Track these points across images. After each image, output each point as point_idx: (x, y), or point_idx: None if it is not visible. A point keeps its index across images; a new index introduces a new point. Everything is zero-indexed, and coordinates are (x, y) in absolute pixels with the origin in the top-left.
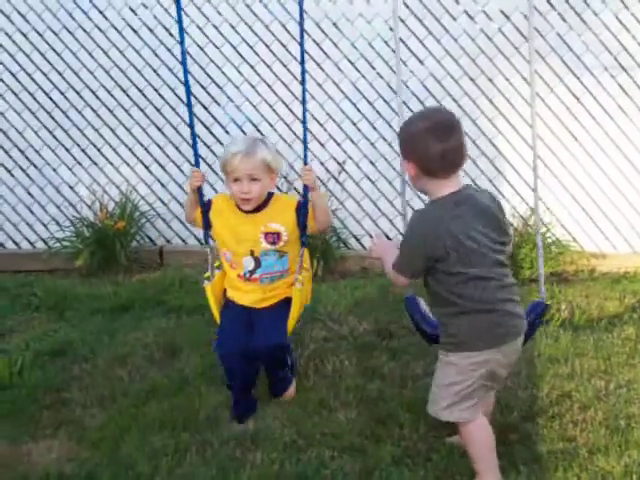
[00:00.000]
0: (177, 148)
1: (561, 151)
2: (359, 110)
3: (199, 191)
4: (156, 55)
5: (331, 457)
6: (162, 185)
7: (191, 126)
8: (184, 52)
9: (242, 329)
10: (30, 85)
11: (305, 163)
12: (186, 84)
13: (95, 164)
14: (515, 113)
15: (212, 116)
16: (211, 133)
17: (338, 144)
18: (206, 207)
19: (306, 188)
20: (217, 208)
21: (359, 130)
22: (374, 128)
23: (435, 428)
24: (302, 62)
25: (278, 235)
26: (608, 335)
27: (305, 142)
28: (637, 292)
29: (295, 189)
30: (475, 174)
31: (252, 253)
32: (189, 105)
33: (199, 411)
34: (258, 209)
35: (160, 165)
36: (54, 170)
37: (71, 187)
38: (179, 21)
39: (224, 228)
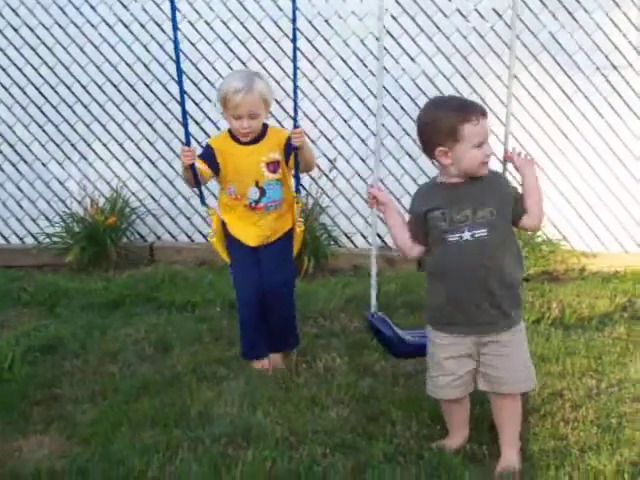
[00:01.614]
0: (168, 144)
1: (552, 150)
2: (350, 107)
3: (192, 168)
4: (147, 50)
5: (323, 454)
6: (153, 181)
7: (182, 103)
8: (177, 44)
9: (256, 270)
10: (20, 80)
11: (295, 127)
12: (177, 63)
13: (85, 159)
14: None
15: (203, 112)
16: (202, 129)
17: (329, 141)
18: (209, 154)
19: (295, 148)
20: (218, 149)
21: (350, 127)
22: (365, 125)
23: (427, 426)
24: (294, 59)
25: (278, 163)
26: (599, 334)
27: (295, 102)
28: (627, 291)
29: None
30: None
31: (257, 183)
32: (180, 82)
33: (190, 407)
34: (256, 140)
35: (151, 161)
36: (44, 165)
37: (61, 182)
38: (173, 17)
39: (228, 165)
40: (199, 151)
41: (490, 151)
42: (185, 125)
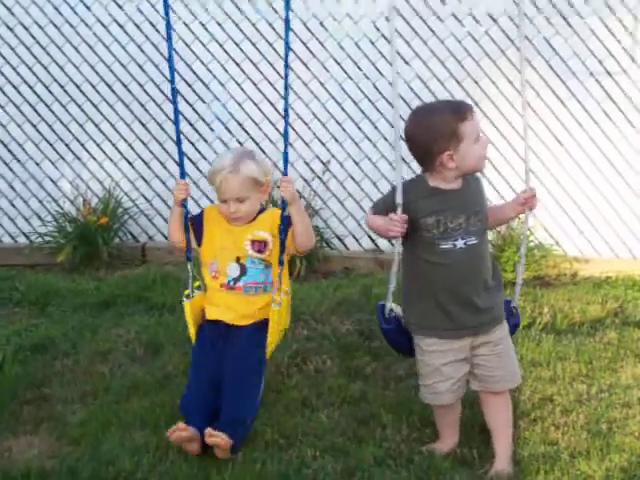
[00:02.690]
0: (161, 145)
1: (545, 155)
2: (344, 110)
3: (184, 206)
4: (142, 51)
5: (313, 457)
6: (145, 181)
7: (177, 138)
8: (171, 49)
9: (210, 386)
10: (14, 78)
11: (284, 174)
12: (174, 102)
13: (78, 159)
14: (500, 116)
15: (197, 113)
16: (195, 130)
17: (323, 144)
18: (199, 220)
19: (284, 202)
20: (209, 218)
21: (344, 130)
22: (359, 128)
23: (418, 429)
24: (286, 65)
25: (265, 243)
26: (590, 339)
27: (285, 152)
28: (619, 297)
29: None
30: None
31: (238, 260)
32: (177, 123)
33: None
34: (249, 221)
35: (144, 161)
36: (37, 164)
37: (54, 182)
38: (166, 18)
39: (214, 239)
40: (193, 170)
41: (486, 139)
42: (181, 162)
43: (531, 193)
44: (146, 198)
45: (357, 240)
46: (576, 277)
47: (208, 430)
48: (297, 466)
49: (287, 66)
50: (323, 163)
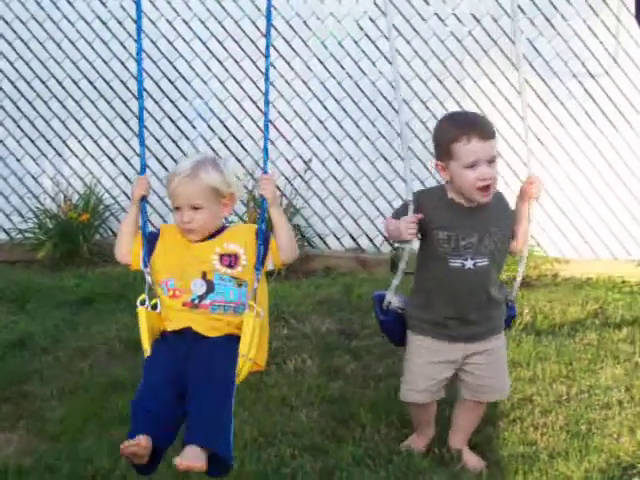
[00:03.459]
0: None
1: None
2: (326, 108)
3: (142, 204)
4: (124, 47)
5: (292, 456)
6: (127, 178)
7: (140, 132)
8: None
9: (170, 388)
10: None
11: (265, 172)
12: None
13: (60, 155)
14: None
15: (179, 110)
16: (177, 127)
17: (304, 142)
18: (153, 236)
19: (264, 201)
20: (164, 239)
21: (326, 128)
22: (341, 127)
23: (397, 429)
24: (267, 59)
25: (236, 257)
26: (570, 340)
27: (266, 149)
28: (599, 298)
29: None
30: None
31: (204, 276)
32: (141, 113)
33: None
34: (212, 236)
35: (125, 158)
36: (18, 160)
37: (35, 178)
38: (138, 17)
39: (170, 258)
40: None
41: (489, 175)
42: (142, 156)
43: (528, 181)
44: (127, 195)
45: (338, 239)
46: (557, 278)
47: (179, 459)
48: (276, 465)
49: (268, 58)
50: (305, 162)
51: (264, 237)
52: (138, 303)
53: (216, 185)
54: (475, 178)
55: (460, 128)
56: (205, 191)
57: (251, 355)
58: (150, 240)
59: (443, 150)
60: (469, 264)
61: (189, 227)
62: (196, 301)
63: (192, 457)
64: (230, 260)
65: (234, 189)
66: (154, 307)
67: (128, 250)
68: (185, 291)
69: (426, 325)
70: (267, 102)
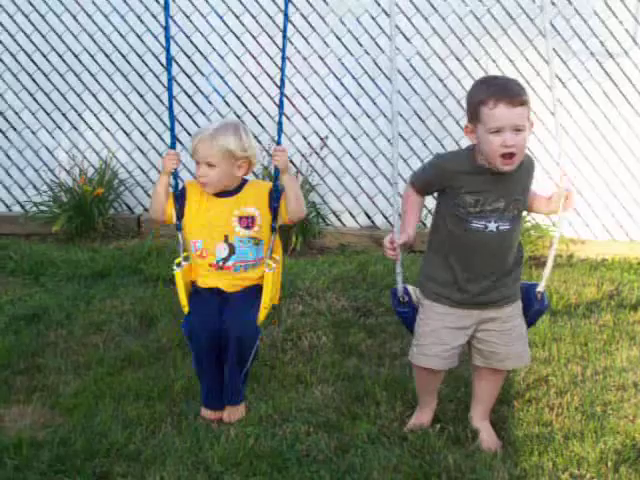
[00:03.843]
0: (159, 116)
1: (544, 135)
2: (343, 85)
3: (174, 176)
4: (141, 21)
5: (306, 433)
6: (142, 153)
7: (170, 107)
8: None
9: (211, 313)
10: (13, 47)
11: (278, 143)
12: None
13: (75, 129)
14: None
15: (195, 85)
16: (193, 102)
17: (321, 119)
18: (181, 194)
19: (277, 171)
20: (191, 193)
21: (343, 105)
22: (358, 104)
23: (412, 407)
24: (284, 36)
25: (253, 219)
26: (585, 321)
27: (280, 122)
28: (614, 279)
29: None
30: None
31: (226, 239)
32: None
33: (175, 382)
34: (231, 193)
35: (141, 132)
36: (33, 133)
37: (50, 151)
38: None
39: (196, 215)
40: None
41: (512, 142)
42: (172, 127)
43: (562, 193)
44: (142, 170)
45: (353, 217)
46: (572, 259)
47: (226, 414)
48: (291, 442)
49: (285, 37)
50: (321, 138)
51: (277, 197)
52: (175, 267)
53: (231, 148)
54: (498, 145)
55: (489, 92)
56: (220, 152)
57: (272, 302)
58: (179, 198)
59: (471, 112)
60: (492, 227)
61: (202, 181)
62: (220, 263)
63: (230, 413)
64: (248, 222)
65: (249, 154)
66: (186, 259)
67: (163, 210)
68: (211, 253)
69: (440, 289)
70: (283, 79)
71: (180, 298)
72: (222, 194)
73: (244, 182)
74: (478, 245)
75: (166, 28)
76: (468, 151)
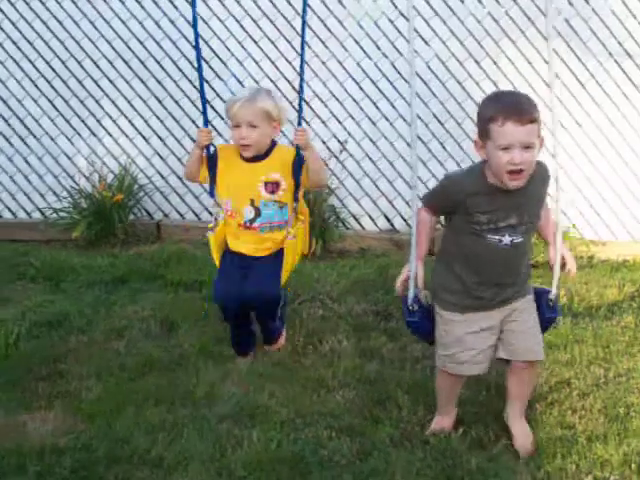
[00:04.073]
0: (177, 121)
1: (563, 136)
2: (362, 89)
3: (207, 150)
4: (159, 27)
5: (329, 437)
6: (161, 158)
7: (201, 86)
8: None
9: (238, 276)
10: (31, 53)
11: (299, 125)
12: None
13: (94, 135)
14: None
15: (214, 90)
16: (212, 107)
17: (340, 122)
18: (213, 158)
19: (299, 148)
20: (223, 156)
21: (361, 109)
22: (377, 108)
23: (434, 411)
24: (302, 37)
25: (277, 184)
26: (607, 323)
27: (300, 107)
28: (636, 281)
29: None
30: (478, 158)
31: (252, 202)
32: (199, 66)
33: (196, 387)
34: (259, 159)
35: (160, 138)
36: (53, 140)
37: (69, 157)
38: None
39: (226, 177)
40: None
41: (519, 160)
42: (204, 108)
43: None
44: (162, 175)
45: (373, 220)
46: (593, 260)
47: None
48: (313, 446)
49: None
50: (340, 142)
51: (299, 166)
52: (208, 231)
53: (270, 109)
54: (506, 162)
55: (498, 108)
56: (261, 113)
57: (293, 266)
58: (211, 159)
59: (481, 128)
60: (506, 240)
61: (245, 142)
62: (247, 224)
63: (270, 347)
64: (273, 187)
65: (282, 116)
66: (216, 226)
67: (197, 173)
68: (239, 214)
69: (455, 298)
70: (302, 81)
71: (214, 258)
72: (251, 159)
73: (272, 147)
74: (492, 257)
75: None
76: (478, 170)
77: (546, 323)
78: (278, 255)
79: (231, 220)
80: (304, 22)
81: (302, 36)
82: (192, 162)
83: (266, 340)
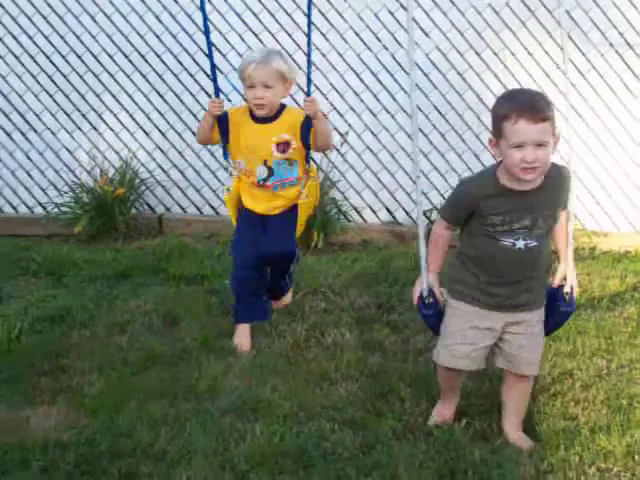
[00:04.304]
0: (178, 115)
1: (565, 128)
2: (362, 81)
3: (219, 120)
4: (160, 21)
5: (332, 430)
6: (162, 152)
7: (210, 56)
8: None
9: (256, 235)
10: (31, 48)
11: (308, 94)
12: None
13: (95, 129)
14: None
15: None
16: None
17: (341, 115)
18: (224, 122)
19: (308, 117)
20: (234, 120)
21: (362, 101)
22: (377, 100)
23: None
24: (309, 29)
25: (287, 144)
26: (609, 314)
27: (309, 77)
28: (638, 272)
29: None
30: (479, 149)
31: (265, 162)
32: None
33: (199, 381)
34: (270, 120)
35: (161, 132)
36: (54, 134)
37: (71, 152)
38: None
39: (240, 139)
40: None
41: (532, 159)
42: (214, 78)
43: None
44: (163, 169)
45: (375, 212)
46: (595, 251)
47: (273, 303)
48: (316, 439)
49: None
50: (341, 134)
51: (307, 130)
52: (225, 191)
53: (283, 70)
54: (519, 160)
55: (511, 107)
56: (275, 74)
57: (305, 221)
58: (222, 124)
59: (495, 126)
60: (520, 244)
61: (261, 102)
62: (261, 182)
63: (278, 302)
64: (284, 147)
65: (294, 76)
66: (230, 174)
67: (210, 137)
68: (252, 173)
69: (467, 290)
70: (309, 73)
71: (231, 216)
72: (262, 120)
73: (281, 108)
74: (507, 261)
75: None
76: (491, 173)
77: (563, 317)
78: (292, 212)
79: (245, 178)
80: (309, 18)
81: (308, 30)
82: (204, 128)
83: (275, 296)
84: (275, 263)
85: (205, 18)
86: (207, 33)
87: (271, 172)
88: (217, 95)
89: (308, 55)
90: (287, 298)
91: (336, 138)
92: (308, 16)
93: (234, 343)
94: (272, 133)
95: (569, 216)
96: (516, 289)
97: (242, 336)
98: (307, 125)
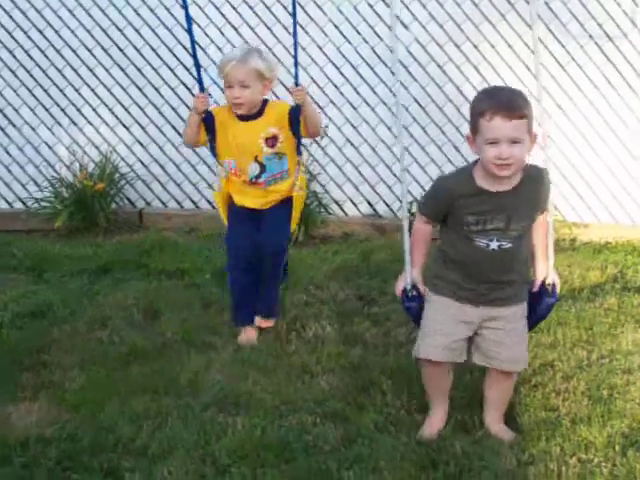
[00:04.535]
0: (158, 109)
1: (545, 121)
2: (342, 74)
3: (205, 116)
4: (138, 14)
5: (313, 423)
6: (142, 146)
7: (193, 54)
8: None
9: (248, 229)
10: (10, 43)
11: (296, 84)
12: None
13: (75, 124)
14: (499, 80)
15: (194, 77)
16: (192, 94)
17: (321, 108)
18: (210, 121)
19: (298, 109)
20: (220, 120)
21: (342, 94)
22: (357, 93)
23: (418, 396)
24: (294, 19)
25: (276, 138)
26: (590, 305)
27: (296, 63)
28: (618, 262)
29: None
30: (459, 141)
31: (256, 159)
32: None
33: (180, 375)
34: (255, 117)
35: (141, 126)
36: (33, 129)
37: (50, 147)
38: None
39: (229, 138)
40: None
41: (506, 155)
42: (198, 74)
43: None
44: (143, 163)
45: (355, 205)
46: (575, 242)
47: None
48: (297, 432)
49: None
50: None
51: (296, 119)
52: (214, 190)
53: (261, 69)
54: (494, 156)
55: (487, 104)
56: (253, 73)
57: (299, 214)
58: (208, 122)
59: (472, 123)
60: (494, 245)
61: (238, 102)
62: (253, 180)
63: (260, 322)
64: (273, 141)
65: (274, 74)
66: (217, 175)
67: (197, 138)
68: (244, 172)
69: (447, 285)
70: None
71: (221, 214)
72: (247, 118)
73: (264, 104)
74: (482, 260)
75: None
76: (469, 172)
77: (546, 309)
78: (286, 205)
79: (235, 178)
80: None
81: (294, 24)
82: (191, 128)
83: (266, 312)
84: (269, 256)
85: (188, 16)
86: (190, 31)
87: (263, 168)
88: (202, 90)
89: (294, 46)
90: (271, 322)
91: None
92: (293, 7)
93: (241, 342)
94: (259, 129)
95: (547, 218)
96: (492, 287)
97: (247, 334)
98: (295, 114)
